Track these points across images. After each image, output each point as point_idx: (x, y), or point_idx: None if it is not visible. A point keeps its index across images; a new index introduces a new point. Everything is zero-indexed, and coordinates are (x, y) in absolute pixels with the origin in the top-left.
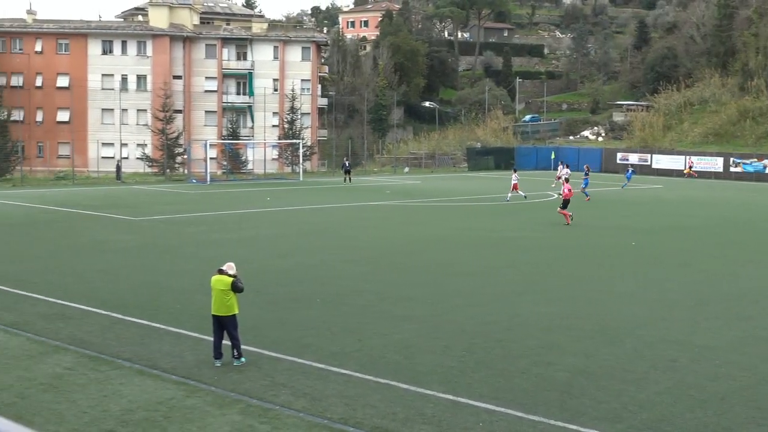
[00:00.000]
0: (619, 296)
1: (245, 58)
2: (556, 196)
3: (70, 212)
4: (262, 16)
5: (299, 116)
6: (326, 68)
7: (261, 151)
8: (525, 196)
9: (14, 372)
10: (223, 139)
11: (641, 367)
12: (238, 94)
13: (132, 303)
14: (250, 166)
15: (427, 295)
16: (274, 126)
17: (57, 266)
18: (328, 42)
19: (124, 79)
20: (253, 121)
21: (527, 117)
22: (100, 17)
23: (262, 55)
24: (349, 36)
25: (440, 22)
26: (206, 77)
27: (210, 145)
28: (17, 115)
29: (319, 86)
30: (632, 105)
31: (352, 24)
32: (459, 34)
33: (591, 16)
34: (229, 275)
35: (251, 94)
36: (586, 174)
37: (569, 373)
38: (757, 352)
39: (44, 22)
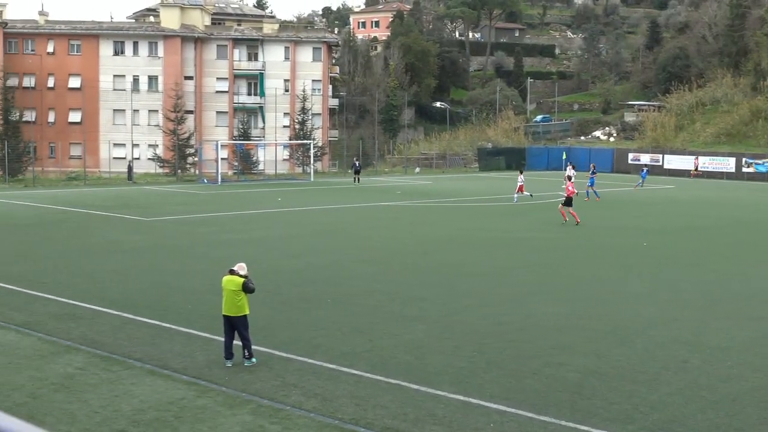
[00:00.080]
0: (630, 297)
1: (256, 59)
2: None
3: (82, 213)
4: (273, 17)
5: (310, 117)
6: (337, 69)
7: (272, 151)
8: (531, 195)
9: (26, 372)
10: (234, 140)
11: (653, 367)
12: (249, 94)
13: (143, 303)
14: (261, 166)
15: (438, 295)
16: (285, 126)
17: (68, 266)
18: (339, 42)
19: (136, 79)
20: (264, 122)
21: (538, 117)
22: (111, 18)
23: (273, 56)
24: (360, 36)
25: (451, 22)
26: (217, 78)
27: (221, 145)
28: (29, 115)
29: (330, 87)
30: (644, 105)
31: (363, 24)
32: (470, 35)
33: (602, 16)
34: (240, 276)
35: (262, 94)
36: (593, 173)
37: (580, 373)
38: None
39: (56, 23)
